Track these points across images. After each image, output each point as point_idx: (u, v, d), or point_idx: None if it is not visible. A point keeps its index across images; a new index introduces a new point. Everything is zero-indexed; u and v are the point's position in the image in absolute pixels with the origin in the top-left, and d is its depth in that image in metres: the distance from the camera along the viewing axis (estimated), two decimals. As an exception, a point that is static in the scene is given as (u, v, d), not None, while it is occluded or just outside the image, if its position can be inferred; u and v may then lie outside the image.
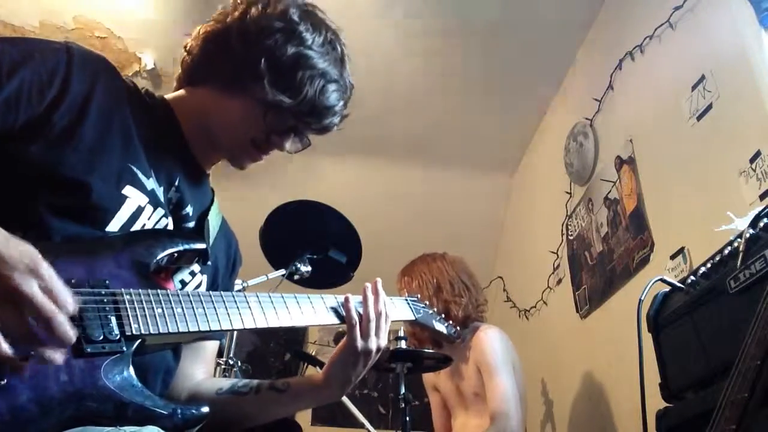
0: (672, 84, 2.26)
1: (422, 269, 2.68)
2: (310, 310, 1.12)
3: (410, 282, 2.67)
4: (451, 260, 2.72)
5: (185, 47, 1.17)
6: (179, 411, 0.86)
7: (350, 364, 1.15)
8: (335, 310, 1.17)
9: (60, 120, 0.93)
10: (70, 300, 0.75)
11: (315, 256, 2.45)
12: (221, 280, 1.23)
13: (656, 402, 1.45)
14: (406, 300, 1.38)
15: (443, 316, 1.54)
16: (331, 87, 1.14)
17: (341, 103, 1.18)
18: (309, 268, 2.42)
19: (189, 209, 1.14)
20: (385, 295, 1.23)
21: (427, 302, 1.99)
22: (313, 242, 2.48)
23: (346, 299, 1.17)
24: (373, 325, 1.16)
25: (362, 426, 2.65)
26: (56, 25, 3.01)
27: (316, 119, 1.16)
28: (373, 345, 1.15)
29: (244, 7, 1.12)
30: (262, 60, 1.08)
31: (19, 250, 0.73)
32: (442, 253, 2.76)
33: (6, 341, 0.70)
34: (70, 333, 0.74)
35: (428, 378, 2.81)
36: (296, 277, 2.42)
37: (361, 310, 1.17)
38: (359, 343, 1.14)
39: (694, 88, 2.10)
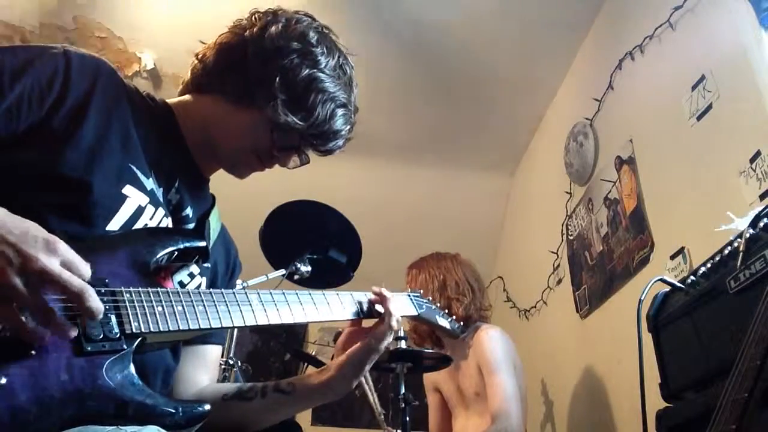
0: (672, 84, 2.26)
1: (431, 265, 2.73)
2: (312, 308, 1.13)
3: (417, 275, 2.71)
4: (461, 261, 2.77)
5: (197, 55, 1.17)
6: (180, 409, 0.86)
7: (367, 361, 1.15)
8: (344, 307, 1.18)
9: (60, 123, 0.94)
10: (88, 271, 0.79)
11: (315, 256, 2.45)
12: (220, 285, 1.23)
13: (656, 402, 1.45)
14: (409, 296, 1.38)
15: (446, 311, 1.54)
16: (340, 111, 1.16)
17: (348, 127, 1.20)
18: (309, 268, 2.42)
19: (189, 211, 1.15)
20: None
21: (431, 297, 2.00)
22: (313, 242, 2.47)
23: (378, 293, 1.20)
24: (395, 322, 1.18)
25: (362, 426, 2.64)
26: (56, 25, 3.02)
27: (323, 142, 1.18)
28: (388, 342, 1.18)
29: (264, 24, 1.13)
30: (277, 79, 1.09)
31: (35, 230, 0.75)
32: (454, 253, 2.80)
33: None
34: (100, 304, 0.78)
35: (429, 378, 2.82)
36: (296, 277, 2.42)
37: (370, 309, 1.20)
38: (383, 343, 1.15)
39: (694, 88, 2.10)
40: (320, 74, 1.12)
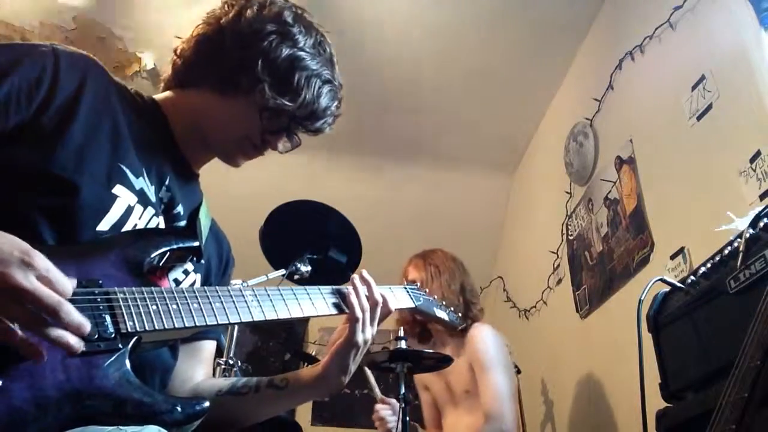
0: (672, 84, 2.26)
1: (448, 265, 2.67)
2: (308, 303, 1.13)
3: (437, 273, 2.63)
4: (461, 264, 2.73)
5: (175, 50, 1.17)
6: (179, 406, 0.86)
7: (349, 355, 1.15)
8: (335, 304, 1.17)
9: (49, 121, 0.93)
10: (68, 286, 0.76)
11: (315, 256, 2.45)
12: (213, 280, 1.23)
13: (656, 402, 1.45)
14: (405, 288, 1.38)
15: (444, 303, 1.53)
16: (326, 88, 1.16)
17: (335, 103, 1.20)
18: (309, 268, 2.42)
19: (180, 208, 1.15)
20: (381, 286, 1.24)
21: (439, 295, 1.99)
22: (313, 242, 2.47)
23: (348, 294, 1.18)
24: (368, 315, 1.17)
25: (362, 426, 2.64)
26: (56, 25, 3.02)
27: (313, 121, 1.17)
28: (368, 335, 1.17)
29: (238, 9, 1.13)
30: (259, 62, 1.09)
31: (10, 244, 0.73)
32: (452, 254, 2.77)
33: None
34: (81, 318, 0.75)
35: (419, 377, 2.80)
36: (296, 277, 2.42)
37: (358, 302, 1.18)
38: (359, 335, 1.15)
39: (694, 88, 2.10)
40: (301, 53, 1.12)
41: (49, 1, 2.93)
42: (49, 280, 0.74)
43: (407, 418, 2.24)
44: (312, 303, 1.13)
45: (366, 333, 1.16)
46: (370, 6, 2.90)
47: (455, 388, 2.60)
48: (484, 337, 2.51)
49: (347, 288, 1.20)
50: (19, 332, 0.72)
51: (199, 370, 1.20)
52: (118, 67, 3.19)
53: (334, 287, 1.19)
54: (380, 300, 1.20)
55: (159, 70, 3.27)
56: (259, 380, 1.17)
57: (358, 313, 1.15)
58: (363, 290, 1.19)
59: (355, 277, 1.21)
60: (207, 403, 0.89)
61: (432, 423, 2.79)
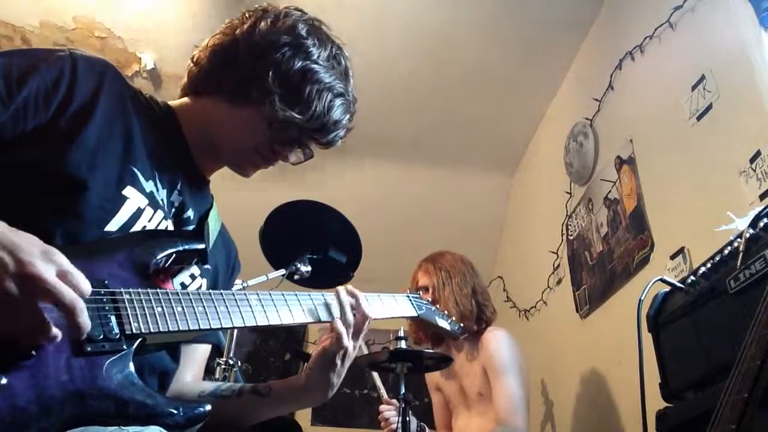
0: (672, 84, 2.26)
1: (458, 268, 2.68)
2: (311, 308, 1.13)
3: (449, 278, 2.63)
4: (471, 264, 2.74)
5: (192, 58, 1.18)
6: (181, 409, 0.86)
7: (330, 366, 1.15)
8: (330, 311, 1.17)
9: (66, 124, 0.95)
10: (88, 285, 0.77)
11: (315, 256, 2.45)
12: (221, 284, 1.24)
13: (656, 402, 1.46)
14: (408, 296, 1.39)
15: (446, 312, 1.54)
16: (338, 101, 1.16)
17: (347, 116, 1.20)
18: (309, 268, 2.42)
19: (190, 213, 1.16)
20: (385, 294, 1.26)
21: (458, 299, 2.00)
22: (313, 242, 2.47)
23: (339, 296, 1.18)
24: (351, 331, 1.16)
25: (362, 426, 2.64)
26: (56, 25, 3.02)
27: (323, 134, 1.17)
28: (351, 349, 1.16)
29: (253, 21, 1.14)
30: (270, 73, 1.10)
31: (31, 239, 0.75)
32: (460, 254, 2.78)
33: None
34: (88, 321, 0.77)
35: (431, 378, 2.82)
36: (296, 277, 2.42)
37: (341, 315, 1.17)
38: (347, 343, 1.14)
39: (694, 88, 2.10)
40: (314, 65, 1.13)
41: (49, 1, 2.93)
42: (69, 276, 0.75)
43: (407, 418, 2.25)
44: (315, 308, 1.13)
45: (348, 346, 1.15)
46: (369, 5, 2.90)
47: (469, 390, 2.61)
48: (498, 341, 2.51)
49: (333, 298, 1.18)
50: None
51: (188, 371, 1.21)
52: (118, 67, 3.19)
53: (327, 296, 1.18)
54: (367, 316, 1.19)
55: (159, 70, 3.27)
56: (242, 386, 1.19)
57: (340, 328, 1.14)
58: (349, 300, 1.18)
59: (340, 290, 1.19)
60: (208, 407, 0.90)
61: (442, 424, 2.80)
